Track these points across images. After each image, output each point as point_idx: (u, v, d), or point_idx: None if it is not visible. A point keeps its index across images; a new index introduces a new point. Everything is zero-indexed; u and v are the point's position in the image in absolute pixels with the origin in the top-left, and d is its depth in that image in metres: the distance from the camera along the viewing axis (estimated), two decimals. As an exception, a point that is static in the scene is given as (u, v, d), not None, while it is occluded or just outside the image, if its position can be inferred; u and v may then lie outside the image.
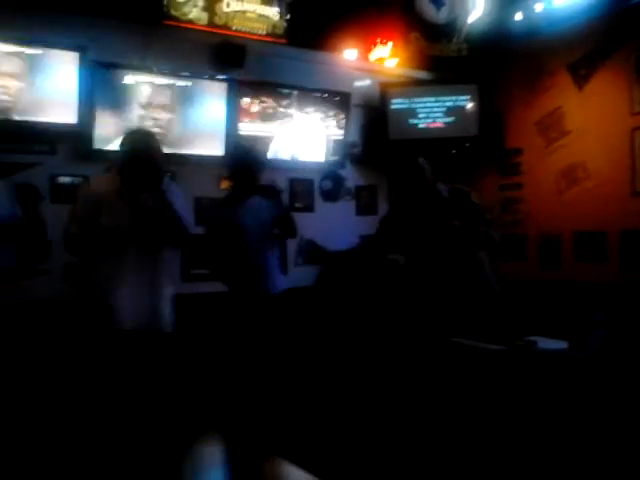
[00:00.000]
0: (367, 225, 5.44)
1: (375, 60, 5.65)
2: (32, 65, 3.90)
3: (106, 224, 2.85)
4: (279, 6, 4.97)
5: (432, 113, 5.41)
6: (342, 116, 5.16)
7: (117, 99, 4.21)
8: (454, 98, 5.42)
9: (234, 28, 4.79)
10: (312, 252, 4.58)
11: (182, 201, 3.08)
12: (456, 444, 2.79)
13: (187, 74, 4.48)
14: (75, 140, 4.11)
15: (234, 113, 4.66)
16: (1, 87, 3.83)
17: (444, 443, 2.83)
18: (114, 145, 4.19)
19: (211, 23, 4.71)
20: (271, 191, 3.58)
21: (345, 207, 5.38)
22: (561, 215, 5.13)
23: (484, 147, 5.42)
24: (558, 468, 2.57)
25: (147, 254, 2.93)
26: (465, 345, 2.94)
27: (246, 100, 4.72)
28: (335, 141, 5.17)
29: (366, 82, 5.44)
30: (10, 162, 3.98)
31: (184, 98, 4.46)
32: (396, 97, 5.41)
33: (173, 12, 4.53)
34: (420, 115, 5.41)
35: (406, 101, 5.42)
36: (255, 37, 4.88)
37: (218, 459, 1.89)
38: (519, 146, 5.49)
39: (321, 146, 5.12)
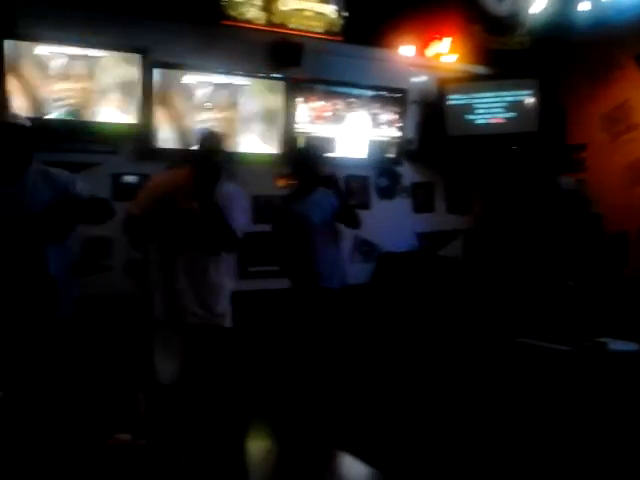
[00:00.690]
0: (424, 223, 5.39)
1: (432, 56, 5.56)
2: (95, 67, 4.00)
3: (170, 218, 2.90)
4: (336, 3, 4.95)
5: (491, 109, 5.29)
6: (399, 113, 5.09)
7: (177, 99, 4.28)
8: (514, 93, 5.28)
9: (291, 26, 4.80)
10: None
11: (243, 203, 3.11)
12: (523, 445, 2.71)
13: (244, 73, 4.51)
14: (136, 140, 4.20)
15: (291, 111, 4.66)
16: (66, 89, 3.94)
17: (510, 443, 2.74)
18: (174, 144, 4.29)
19: (268, 22, 4.73)
20: (331, 180, 3.57)
21: (401, 204, 5.32)
22: (628, 211, 4.92)
23: (545, 143, 5.26)
24: (632, 469, 2.45)
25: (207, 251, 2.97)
26: (532, 345, 2.85)
27: (303, 98, 4.72)
28: (391, 138, 5.11)
29: (423, 78, 5.37)
30: (74, 162, 4.11)
31: (242, 97, 4.50)
32: (454, 93, 5.30)
33: (231, 12, 4.58)
34: (479, 111, 5.29)
35: (464, 97, 5.31)
36: (312, 35, 4.87)
37: (281, 453, 1.87)
38: (582, 141, 5.30)
39: (377, 143, 5.06)
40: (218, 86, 4.42)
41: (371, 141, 5.02)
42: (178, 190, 2.95)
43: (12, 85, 3.75)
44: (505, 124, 5.25)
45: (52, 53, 3.87)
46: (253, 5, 4.66)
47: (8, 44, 3.72)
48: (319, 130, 4.80)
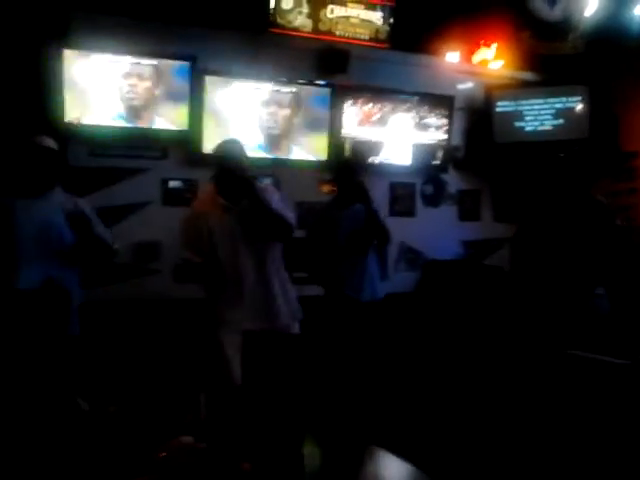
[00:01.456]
0: (470, 231, 5.33)
1: (478, 62, 5.51)
2: (147, 75, 4.09)
3: (218, 238, 2.88)
4: (382, 11, 4.95)
5: (540, 115, 5.20)
6: (445, 120, 5.05)
7: (225, 105, 4.33)
8: (564, 99, 5.19)
9: (338, 34, 4.82)
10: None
11: (277, 196, 3.08)
12: (576, 460, 2.64)
13: (292, 80, 4.54)
14: (185, 145, 4.27)
15: (337, 118, 4.67)
16: (118, 97, 4.04)
17: (562, 458, 2.67)
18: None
19: (315, 29, 4.75)
20: (364, 195, 3.52)
21: (447, 212, 5.27)
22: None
23: (596, 150, 5.14)
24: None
25: (257, 256, 2.96)
26: (583, 358, 2.78)
27: (349, 105, 4.72)
28: (437, 145, 5.07)
29: (469, 85, 5.32)
30: (125, 167, 4.21)
31: (288, 103, 4.53)
32: (502, 99, 5.24)
33: (279, 20, 4.62)
34: (527, 118, 5.21)
35: (512, 103, 5.24)
36: (358, 42, 4.88)
37: (322, 451, 1.87)
38: (635, 149, 5.17)
39: (423, 150, 5.03)
40: (265, 93, 4.46)
41: (417, 147, 4.99)
42: (213, 210, 2.93)
43: (70, 93, 3.86)
44: (553, 131, 5.16)
45: (106, 62, 3.98)
46: (300, 13, 4.70)
47: (67, 54, 3.83)
48: (365, 134, 4.79)
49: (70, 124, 3.04)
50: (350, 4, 4.85)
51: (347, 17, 4.86)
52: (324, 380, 3.48)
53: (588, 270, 3.16)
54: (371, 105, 4.80)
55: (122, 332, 3.17)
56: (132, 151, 4.22)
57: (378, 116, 4.83)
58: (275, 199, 2.99)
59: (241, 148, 2.98)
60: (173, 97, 4.16)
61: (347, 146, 4.61)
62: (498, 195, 5.43)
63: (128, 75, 4.04)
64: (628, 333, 2.95)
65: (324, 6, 4.76)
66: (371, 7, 4.93)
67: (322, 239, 3.67)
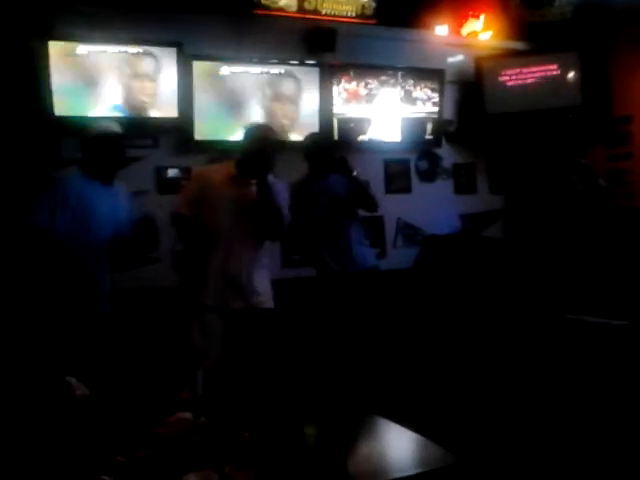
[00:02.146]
0: (467, 204, 5.32)
1: (468, 34, 5.47)
2: (134, 63, 4.07)
3: (213, 205, 2.96)
4: (367, -14, 4.91)
5: (531, 84, 5.17)
6: (436, 94, 5.02)
7: (214, 91, 4.31)
8: (555, 67, 5.15)
9: (324, 12, 4.78)
10: None
11: (285, 195, 3.15)
12: (578, 422, 2.66)
13: (279, 61, 4.52)
14: (177, 133, 4.25)
15: (327, 97, 4.65)
16: (107, 86, 4.02)
17: (564, 421, 2.70)
18: (214, 136, 4.32)
19: (301, 9, 4.72)
20: (341, 163, 3.54)
21: (443, 186, 5.25)
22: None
23: (589, 117, 5.12)
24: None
25: (250, 238, 3.02)
26: (583, 321, 2.79)
27: (339, 83, 4.70)
28: (430, 120, 5.05)
29: (459, 57, 5.28)
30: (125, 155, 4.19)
31: (278, 85, 4.50)
32: (492, 70, 5.20)
33: (264, 1, 4.58)
34: (518, 87, 5.17)
35: (503, 73, 5.20)
36: (345, 20, 4.84)
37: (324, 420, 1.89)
38: (629, 113, 5.14)
39: (415, 125, 5.01)
40: (254, 75, 4.44)
41: (409, 123, 4.96)
42: (221, 178, 3.01)
43: (57, 85, 3.84)
44: (546, 99, 5.13)
45: (92, 52, 3.95)
46: (285, -7, 4.66)
47: (52, 45, 3.80)
48: (356, 114, 4.76)
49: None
50: (335, -19, 4.81)
51: (332, -5, 4.82)
52: (318, 355, 3.52)
53: (579, 232, 3.17)
54: (361, 82, 4.77)
55: (121, 320, 3.19)
56: (125, 140, 4.19)
57: (368, 93, 4.80)
58: (284, 198, 3.06)
59: (275, 135, 3.15)
60: (161, 85, 4.14)
61: (336, 124, 4.60)
62: (493, 167, 5.42)
63: (115, 64, 4.01)
64: (623, 294, 2.96)
65: (309, -15, 4.73)
66: (356, -17, 4.89)
67: (301, 218, 3.67)
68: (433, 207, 5.08)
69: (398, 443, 1.79)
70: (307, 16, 4.72)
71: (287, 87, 4.52)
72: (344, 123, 4.68)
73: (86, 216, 2.97)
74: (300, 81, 4.57)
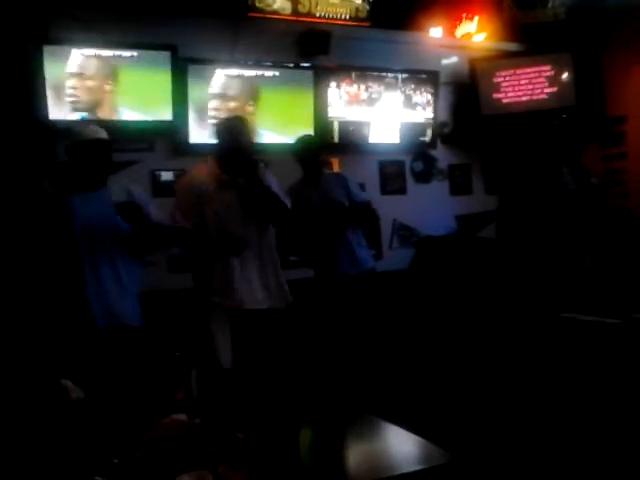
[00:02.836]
0: (462, 205, 5.34)
1: (462, 36, 5.50)
2: (128, 67, 4.07)
3: (210, 212, 2.94)
4: (361, -11, 4.93)
5: (525, 85, 5.19)
6: (431, 95, 5.04)
7: (209, 93, 4.32)
8: (548, 68, 5.18)
9: (318, 15, 4.80)
10: None
11: (277, 186, 3.13)
12: (573, 421, 2.67)
13: (274, 64, 4.53)
14: (172, 136, 4.26)
15: (322, 100, 4.66)
16: (102, 90, 4.02)
17: (560, 419, 2.71)
18: (209, 138, 4.32)
19: (295, 12, 4.73)
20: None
21: (438, 188, 5.27)
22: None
23: (583, 117, 5.14)
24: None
25: (251, 235, 3.02)
26: (577, 320, 2.80)
27: (333, 86, 4.71)
28: (425, 121, 5.07)
29: (454, 59, 5.30)
30: (113, 161, 4.19)
31: (273, 88, 4.51)
32: (486, 72, 5.22)
33: (258, 4, 4.59)
34: (513, 88, 5.20)
35: (497, 75, 5.22)
36: (339, 22, 4.86)
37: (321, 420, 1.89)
38: (622, 113, 5.16)
39: (411, 127, 5.02)
40: (249, 78, 4.45)
41: (404, 124, 4.98)
42: (209, 182, 2.98)
43: (51, 89, 3.85)
44: (540, 100, 5.15)
45: (86, 56, 3.96)
46: (279, -4, 4.67)
47: (47, 49, 3.81)
48: (351, 117, 4.78)
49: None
50: (328, -16, 4.82)
51: (326, -2, 4.84)
52: (316, 356, 3.52)
53: (572, 230, 3.18)
54: (355, 85, 4.79)
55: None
56: (119, 144, 4.19)
57: (363, 95, 4.82)
58: (274, 184, 3.04)
59: (246, 126, 3.01)
60: (156, 88, 4.15)
61: (334, 126, 4.62)
62: (488, 168, 5.44)
63: (109, 68, 4.02)
64: (617, 292, 2.98)
65: (303, -13, 4.74)
66: (350, -14, 4.90)
67: (299, 220, 3.68)
68: (429, 208, 5.09)
69: (393, 442, 1.80)
70: (301, 19, 4.74)
71: (281, 90, 4.53)
72: (344, 126, 4.71)
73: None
74: (294, 84, 4.58)
